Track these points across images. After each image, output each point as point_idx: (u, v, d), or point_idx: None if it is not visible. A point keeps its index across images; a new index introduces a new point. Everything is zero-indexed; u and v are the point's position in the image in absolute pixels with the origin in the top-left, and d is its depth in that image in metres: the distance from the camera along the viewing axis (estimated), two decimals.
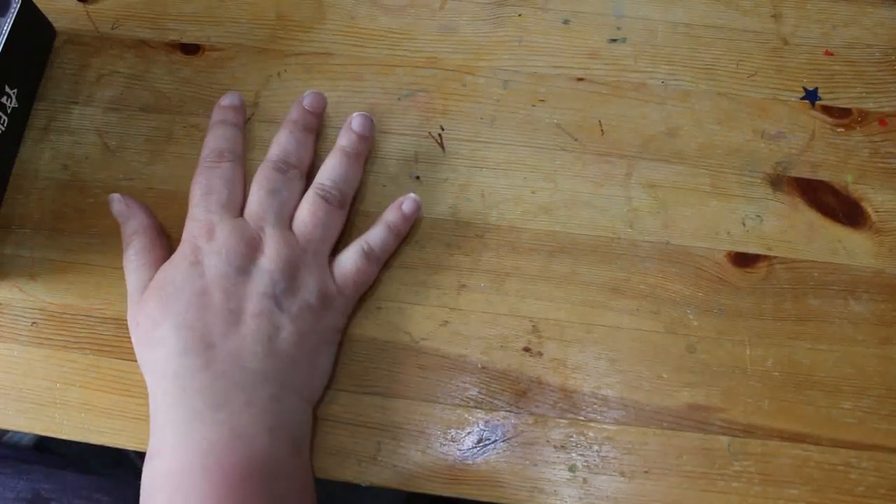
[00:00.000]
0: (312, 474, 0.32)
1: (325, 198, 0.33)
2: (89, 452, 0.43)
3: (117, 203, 0.34)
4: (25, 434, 0.43)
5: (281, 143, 0.35)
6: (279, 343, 0.31)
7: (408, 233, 0.36)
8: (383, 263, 0.35)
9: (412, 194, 0.35)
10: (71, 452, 0.43)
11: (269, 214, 0.33)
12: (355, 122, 0.35)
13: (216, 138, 0.35)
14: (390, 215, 0.35)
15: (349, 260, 0.33)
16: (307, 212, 0.33)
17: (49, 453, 0.42)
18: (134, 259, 0.33)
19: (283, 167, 0.34)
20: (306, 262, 0.32)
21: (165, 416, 0.29)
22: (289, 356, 0.31)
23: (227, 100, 0.36)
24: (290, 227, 0.33)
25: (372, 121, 0.36)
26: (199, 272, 0.31)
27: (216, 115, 0.36)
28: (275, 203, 0.33)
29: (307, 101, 0.36)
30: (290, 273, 0.32)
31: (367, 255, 0.33)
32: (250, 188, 0.34)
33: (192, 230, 0.32)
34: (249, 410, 0.29)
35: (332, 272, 0.33)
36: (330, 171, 0.34)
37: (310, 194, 0.34)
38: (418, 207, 0.35)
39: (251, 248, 0.32)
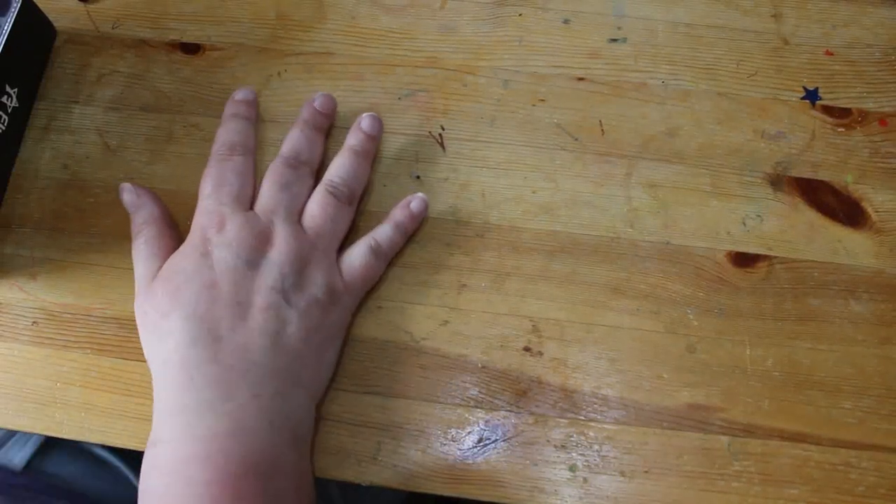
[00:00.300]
0: (312, 473, 0.32)
1: (334, 194, 0.34)
2: (86, 476, 0.43)
3: (127, 193, 0.35)
4: (17, 454, 0.42)
5: (292, 140, 0.35)
6: (286, 338, 0.31)
7: (414, 231, 0.36)
8: (390, 261, 0.35)
9: (420, 193, 0.35)
10: (63, 479, 0.42)
11: (280, 209, 0.33)
12: (364, 122, 0.36)
13: (228, 131, 0.35)
14: (398, 213, 0.35)
15: (357, 256, 0.33)
16: (317, 207, 0.33)
17: (44, 476, 0.42)
18: (143, 248, 0.33)
19: (294, 163, 0.34)
20: (315, 257, 0.32)
21: (171, 404, 0.30)
22: (296, 351, 0.31)
23: (240, 94, 0.37)
24: (299, 222, 0.33)
25: (380, 121, 0.37)
26: (209, 264, 0.31)
27: (229, 108, 0.36)
28: (286, 198, 0.33)
29: (318, 102, 0.36)
30: (299, 268, 0.32)
31: (375, 251, 0.34)
32: (261, 183, 0.34)
33: (203, 221, 0.32)
34: (255, 404, 0.29)
35: (339, 268, 0.33)
36: (339, 168, 0.35)
37: (319, 190, 0.34)
38: (426, 206, 0.35)
39: (261, 242, 0.32)
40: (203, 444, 0.28)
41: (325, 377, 0.33)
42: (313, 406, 0.32)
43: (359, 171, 0.35)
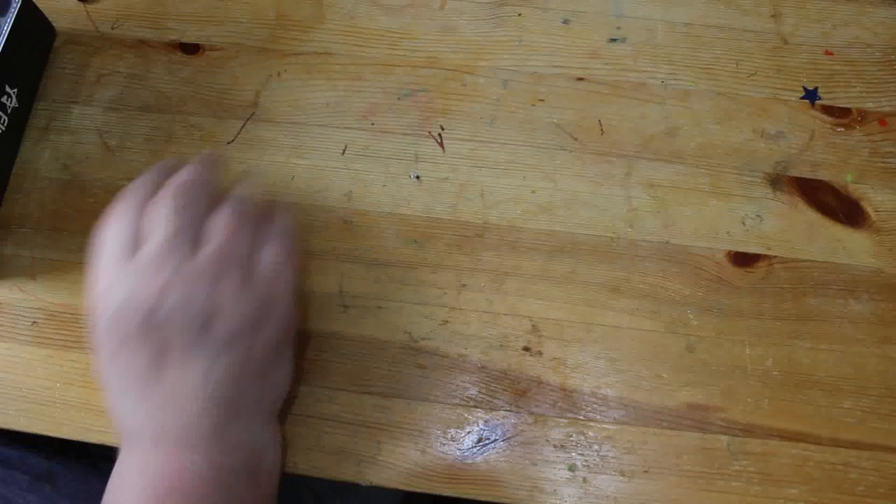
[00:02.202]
0: (273, 492, 0.30)
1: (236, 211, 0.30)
2: None
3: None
4: None
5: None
6: (212, 379, 0.28)
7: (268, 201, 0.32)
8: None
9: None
10: None
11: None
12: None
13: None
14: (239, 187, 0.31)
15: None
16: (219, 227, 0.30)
17: None
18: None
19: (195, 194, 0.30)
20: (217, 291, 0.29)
21: (121, 431, 0.29)
22: (227, 386, 0.29)
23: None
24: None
25: (211, 162, 0.32)
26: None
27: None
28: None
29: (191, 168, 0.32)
30: (206, 308, 0.29)
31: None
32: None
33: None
34: (187, 442, 0.28)
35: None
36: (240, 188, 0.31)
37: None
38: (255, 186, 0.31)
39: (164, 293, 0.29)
40: (138, 472, 0.28)
41: (276, 392, 0.31)
42: (266, 426, 0.30)
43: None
